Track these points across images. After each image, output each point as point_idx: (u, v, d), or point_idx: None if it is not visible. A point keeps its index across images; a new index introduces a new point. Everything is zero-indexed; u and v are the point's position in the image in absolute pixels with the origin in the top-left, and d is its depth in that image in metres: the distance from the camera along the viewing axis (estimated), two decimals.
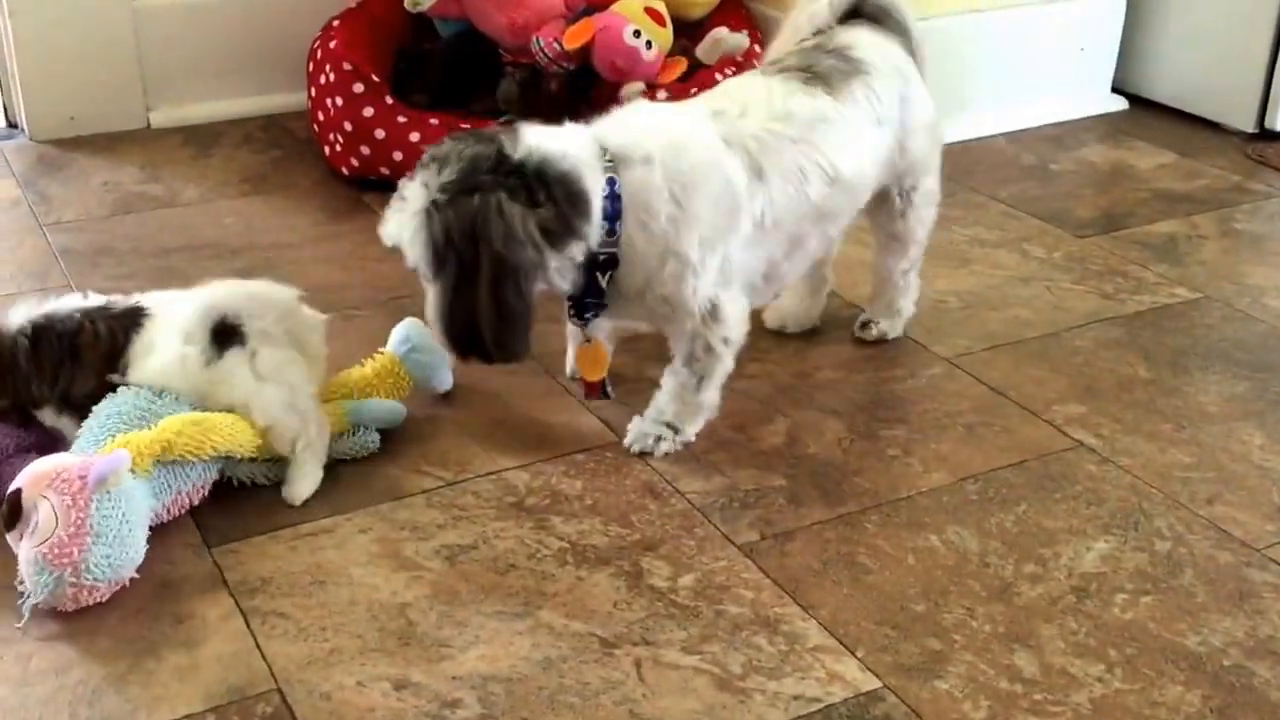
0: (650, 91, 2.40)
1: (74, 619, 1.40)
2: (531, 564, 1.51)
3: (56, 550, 1.37)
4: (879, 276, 1.96)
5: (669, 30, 2.55)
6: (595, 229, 1.54)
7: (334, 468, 1.65)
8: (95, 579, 1.38)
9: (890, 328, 1.97)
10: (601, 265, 1.57)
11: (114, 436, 1.48)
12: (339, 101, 2.42)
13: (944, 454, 1.74)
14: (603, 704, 1.31)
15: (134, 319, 1.60)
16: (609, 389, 1.74)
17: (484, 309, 1.50)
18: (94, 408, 1.54)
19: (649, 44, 2.48)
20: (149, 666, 1.35)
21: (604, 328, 1.75)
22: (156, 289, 2.08)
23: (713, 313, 1.62)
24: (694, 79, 2.47)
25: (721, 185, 1.58)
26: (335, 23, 2.58)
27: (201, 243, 2.28)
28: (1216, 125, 2.88)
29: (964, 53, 2.74)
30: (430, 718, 1.29)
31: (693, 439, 1.70)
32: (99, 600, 1.41)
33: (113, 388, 1.56)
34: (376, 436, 1.70)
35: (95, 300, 1.63)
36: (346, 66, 2.42)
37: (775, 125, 1.64)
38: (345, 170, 2.47)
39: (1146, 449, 1.75)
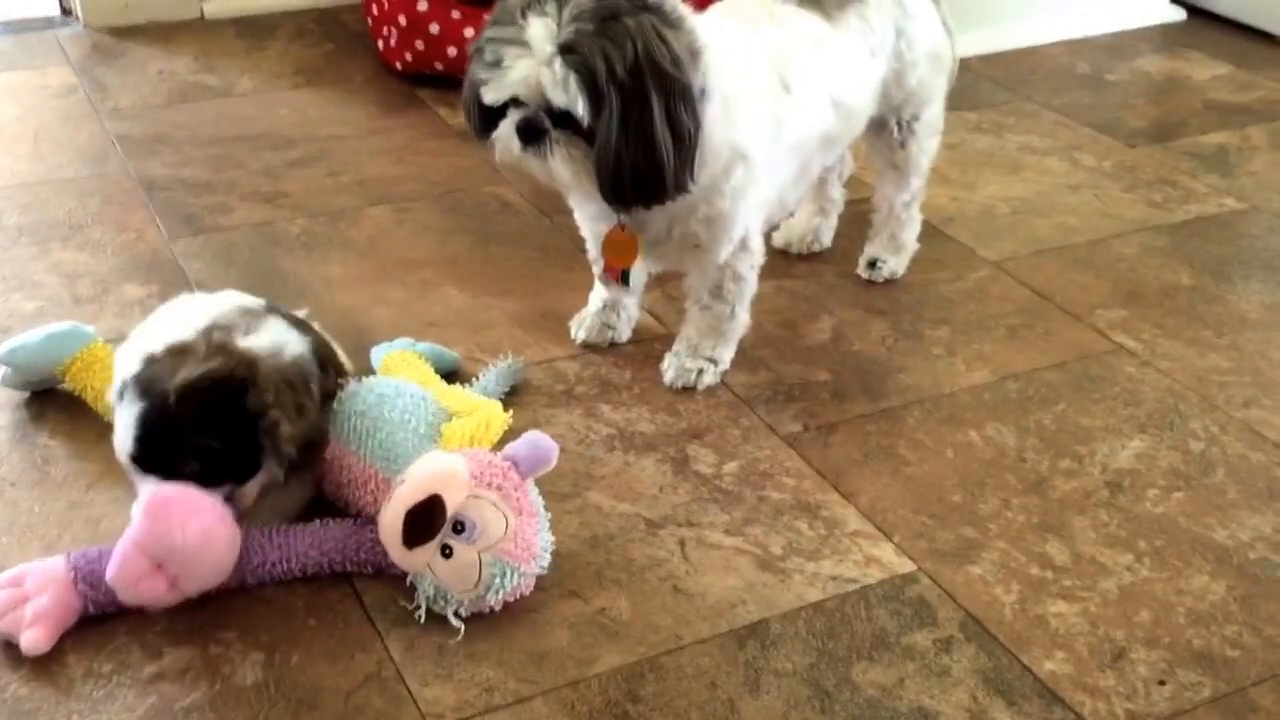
0: None
1: None
2: (581, 448, 1.56)
3: (520, 544, 1.29)
4: (880, 210, 1.90)
5: None
6: None
7: None
8: (541, 568, 1.33)
9: (898, 265, 1.91)
10: None
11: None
12: None
13: (986, 354, 1.77)
14: (647, 579, 1.37)
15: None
16: (630, 275, 1.67)
17: (662, 138, 1.39)
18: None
19: None
20: None
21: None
22: (214, 178, 2.16)
23: (743, 243, 1.60)
24: None
25: (767, 111, 1.52)
26: None
27: (256, 133, 2.32)
28: (1275, 38, 2.85)
29: None
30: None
31: (729, 366, 1.69)
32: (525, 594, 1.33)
33: None
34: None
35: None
36: None
37: (789, 43, 1.58)
38: (399, 65, 2.49)
39: (1185, 353, 1.78)
